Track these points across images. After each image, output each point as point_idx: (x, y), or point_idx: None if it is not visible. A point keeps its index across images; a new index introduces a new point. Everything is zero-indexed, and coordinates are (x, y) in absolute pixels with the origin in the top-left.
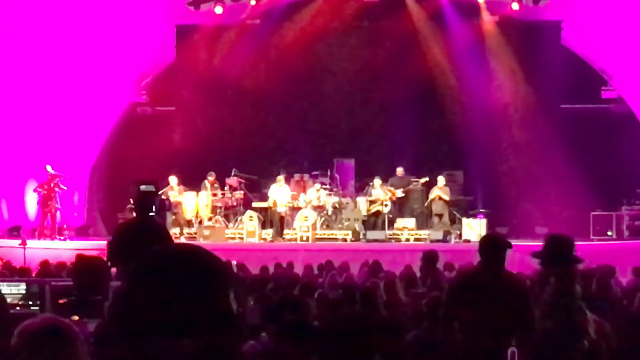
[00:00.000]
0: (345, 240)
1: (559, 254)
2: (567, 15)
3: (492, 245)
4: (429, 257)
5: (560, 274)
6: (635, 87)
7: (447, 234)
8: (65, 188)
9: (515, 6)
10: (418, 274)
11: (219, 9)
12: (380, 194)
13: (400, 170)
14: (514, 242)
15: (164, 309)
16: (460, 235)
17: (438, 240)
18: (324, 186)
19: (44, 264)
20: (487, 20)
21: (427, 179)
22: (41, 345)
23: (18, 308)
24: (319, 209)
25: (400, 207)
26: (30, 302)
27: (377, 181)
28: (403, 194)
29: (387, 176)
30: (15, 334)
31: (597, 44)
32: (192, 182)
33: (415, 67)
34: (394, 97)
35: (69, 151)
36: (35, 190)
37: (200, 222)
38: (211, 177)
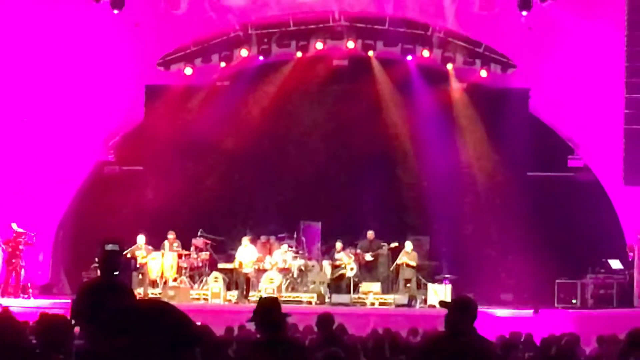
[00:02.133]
0: (310, 303)
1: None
2: (534, 84)
3: (461, 311)
4: (324, 320)
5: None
6: (601, 156)
7: (412, 299)
8: (31, 244)
9: (483, 73)
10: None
11: (188, 70)
12: (344, 257)
13: (371, 234)
14: (479, 308)
15: None
16: (425, 301)
17: (403, 305)
18: (290, 249)
19: None
20: (456, 87)
21: (397, 244)
22: None
23: None
24: (285, 271)
25: (369, 271)
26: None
27: (338, 245)
28: (372, 258)
29: (353, 239)
30: None
31: (564, 113)
32: (159, 242)
33: (382, 132)
34: (361, 161)
35: (35, 209)
36: (0, 247)
37: (165, 283)
38: (171, 236)
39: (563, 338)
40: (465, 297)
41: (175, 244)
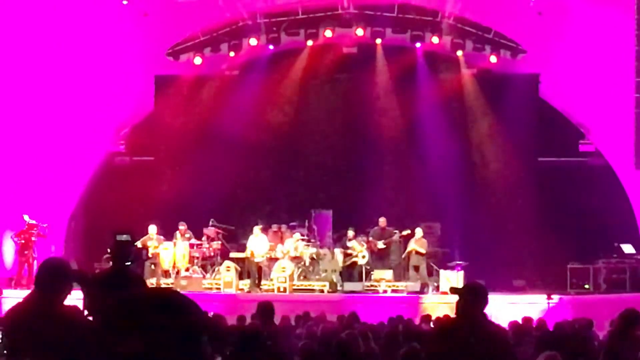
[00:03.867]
0: (322, 291)
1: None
2: (544, 69)
3: (472, 295)
4: (264, 309)
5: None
6: (612, 140)
7: (424, 286)
8: (43, 235)
9: (493, 59)
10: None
11: (198, 60)
12: (356, 245)
13: (382, 221)
14: (491, 295)
15: (138, 348)
16: (437, 287)
17: (416, 292)
18: (301, 237)
19: None
20: (465, 73)
21: (409, 231)
22: None
23: None
24: (297, 259)
25: (380, 259)
26: (6, 352)
27: (350, 232)
28: (384, 246)
29: (365, 227)
30: None
31: (575, 98)
32: (170, 232)
33: (392, 120)
34: (372, 149)
35: (46, 200)
36: (12, 239)
37: (178, 273)
38: (182, 227)
39: (576, 323)
40: (476, 284)
41: (187, 234)
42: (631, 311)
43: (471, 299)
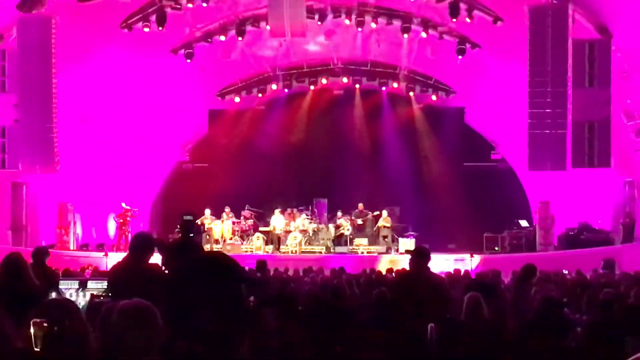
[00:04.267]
0: (321, 252)
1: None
2: (468, 104)
3: (420, 255)
4: (260, 264)
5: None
6: (513, 151)
7: (389, 249)
8: (135, 216)
9: (433, 97)
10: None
11: (237, 99)
12: (343, 222)
13: (361, 206)
14: (432, 254)
15: (199, 293)
16: (397, 250)
17: (383, 253)
18: (307, 217)
19: None
20: (415, 107)
21: (378, 212)
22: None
23: (102, 298)
24: (303, 232)
25: (359, 231)
26: (110, 294)
27: (339, 214)
28: (362, 222)
29: (349, 209)
30: (115, 312)
31: (488, 123)
32: (219, 214)
33: (367, 138)
34: (353, 158)
35: (137, 193)
36: (114, 219)
37: (224, 241)
38: (227, 210)
39: (489, 273)
40: (422, 247)
41: (230, 215)
42: (529, 265)
43: (419, 257)
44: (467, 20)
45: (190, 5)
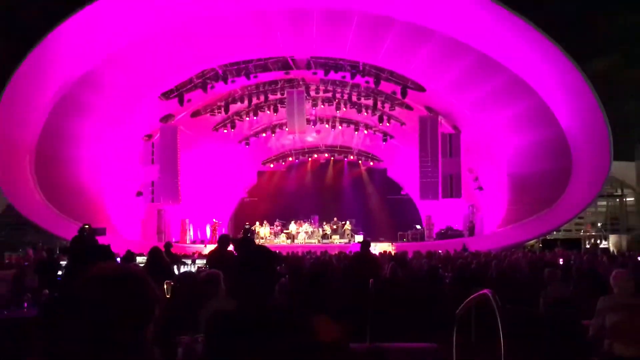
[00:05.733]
0: (315, 243)
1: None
2: (388, 166)
3: (366, 244)
4: (223, 239)
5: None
6: (413, 189)
7: (350, 241)
8: (220, 225)
9: (371, 163)
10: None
11: (271, 165)
12: (327, 228)
13: (335, 219)
14: (373, 243)
15: (253, 266)
16: (354, 241)
17: (347, 243)
18: (309, 225)
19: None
20: (362, 169)
21: (344, 222)
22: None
23: (203, 268)
24: (306, 233)
25: (335, 232)
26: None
27: (325, 225)
28: (336, 227)
29: (329, 221)
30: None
31: (399, 175)
32: (262, 224)
33: (338, 183)
34: (333, 194)
35: (221, 213)
36: (209, 227)
37: (265, 239)
38: (266, 222)
39: (400, 252)
40: (366, 239)
41: (266, 224)
42: (399, 254)
43: (364, 245)
44: (387, 124)
45: (247, 118)
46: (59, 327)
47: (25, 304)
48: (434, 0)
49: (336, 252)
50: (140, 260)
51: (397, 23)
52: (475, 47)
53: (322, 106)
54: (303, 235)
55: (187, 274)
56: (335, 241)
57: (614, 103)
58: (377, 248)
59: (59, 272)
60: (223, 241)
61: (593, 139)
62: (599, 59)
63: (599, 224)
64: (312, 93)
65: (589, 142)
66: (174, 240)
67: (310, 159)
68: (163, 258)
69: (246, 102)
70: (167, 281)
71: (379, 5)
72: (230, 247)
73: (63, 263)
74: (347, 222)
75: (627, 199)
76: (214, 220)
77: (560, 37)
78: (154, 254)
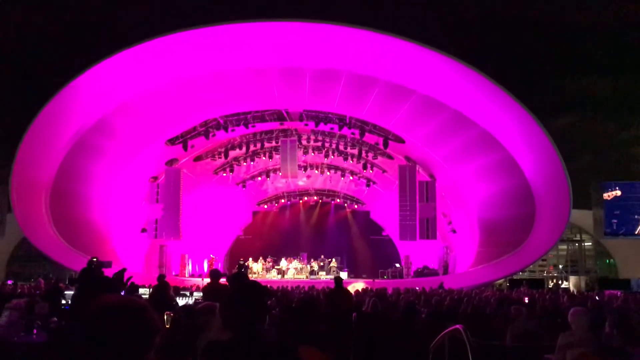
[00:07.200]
0: (304, 279)
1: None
2: (372, 209)
3: (338, 280)
4: (216, 273)
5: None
6: (393, 231)
7: (336, 276)
8: (216, 260)
9: (355, 206)
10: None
11: (265, 206)
12: (315, 264)
13: (322, 256)
14: (353, 280)
15: (245, 299)
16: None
17: (331, 279)
18: (298, 261)
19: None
20: (347, 211)
21: (330, 259)
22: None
23: (199, 300)
24: (295, 269)
25: (322, 269)
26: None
27: (313, 262)
28: (323, 264)
29: (316, 258)
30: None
31: (381, 218)
32: (256, 260)
33: (324, 223)
34: (321, 232)
35: (218, 249)
36: (207, 262)
37: (258, 274)
38: (260, 258)
39: (380, 289)
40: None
41: (261, 261)
42: (382, 290)
43: (337, 281)
44: (370, 171)
45: (244, 163)
46: (66, 352)
47: (35, 330)
48: (414, 62)
49: (322, 287)
50: (143, 291)
51: (380, 82)
52: (449, 105)
53: (312, 154)
54: (292, 271)
55: (187, 306)
56: (322, 277)
57: (572, 156)
58: (359, 284)
59: (63, 301)
60: (214, 275)
61: (554, 188)
62: (559, 116)
63: (560, 266)
64: (304, 142)
65: (551, 192)
66: (173, 273)
67: (300, 201)
68: (169, 290)
69: (244, 148)
70: (167, 312)
71: (364, 66)
72: (223, 280)
73: (68, 293)
74: (333, 260)
75: (585, 244)
76: (211, 255)
77: (525, 97)
78: (162, 285)
